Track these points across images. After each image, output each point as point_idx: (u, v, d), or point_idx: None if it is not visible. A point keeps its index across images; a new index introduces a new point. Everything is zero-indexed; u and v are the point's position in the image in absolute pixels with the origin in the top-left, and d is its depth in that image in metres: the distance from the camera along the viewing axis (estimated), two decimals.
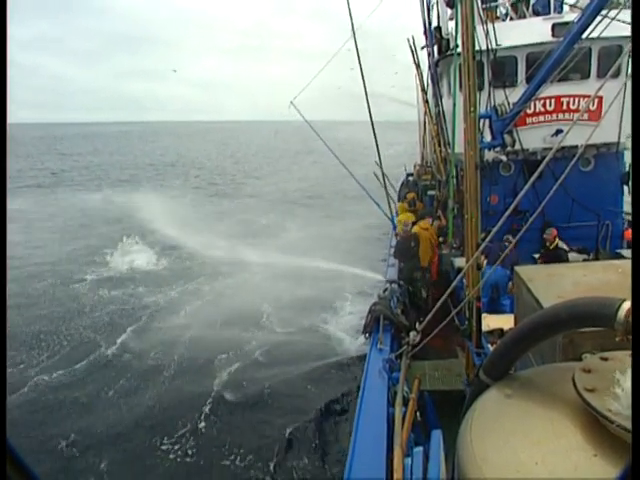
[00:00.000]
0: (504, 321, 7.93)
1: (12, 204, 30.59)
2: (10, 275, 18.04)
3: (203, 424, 9.96)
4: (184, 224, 24.97)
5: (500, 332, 7.85)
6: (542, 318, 2.54)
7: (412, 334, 7.50)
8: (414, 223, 13.38)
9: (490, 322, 8.21)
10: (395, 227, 14.17)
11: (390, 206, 14.15)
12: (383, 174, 12.87)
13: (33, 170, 61.06)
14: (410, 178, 25.08)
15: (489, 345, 7.34)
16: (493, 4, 12.83)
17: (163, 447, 9.37)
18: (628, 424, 1.79)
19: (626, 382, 1.95)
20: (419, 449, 4.60)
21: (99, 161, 74.38)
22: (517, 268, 5.33)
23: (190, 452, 9.20)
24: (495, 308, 9.52)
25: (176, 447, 9.34)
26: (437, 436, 4.49)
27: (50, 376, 11.99)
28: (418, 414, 6.02)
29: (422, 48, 15.32)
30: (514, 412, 2.33)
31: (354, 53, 11.78)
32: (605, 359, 2.25)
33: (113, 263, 21.57)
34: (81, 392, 11.37)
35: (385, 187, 13.56)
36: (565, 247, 10.53)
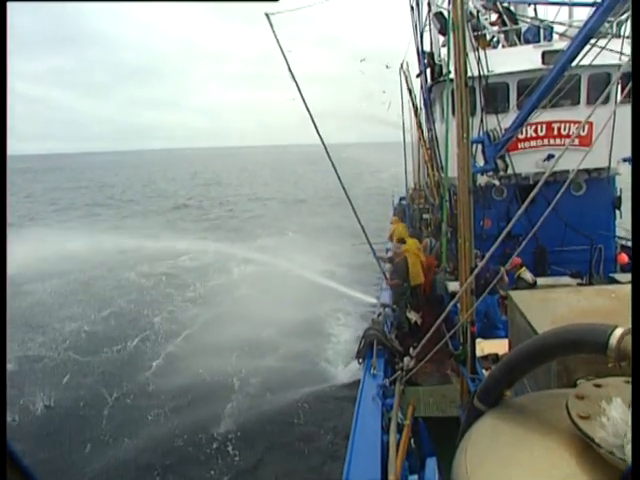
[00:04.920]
0: (499, 346, 7.92)
1: None
2: None
3: (195, 454, 9.84)
4: None
5: (495, 357, 7.84)
6: (535, 345, 2.56)
7: (406, 359, 7.49)
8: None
9: (485, 347, 8.20)
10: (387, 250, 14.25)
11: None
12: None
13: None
14: (403, 202, 25.29)
15: (484, 370, 7.32)
16: (484, 32, 13.12)
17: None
18: (621, 452, 1.80)
19: (612, 411, 1.97)
20: (414, 477, 4.57)
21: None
22: (511, 292, 5.35)
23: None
24: (489, 336, 9.50)
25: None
26: (432, 464, 4.47)
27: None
28: (412, 441, 5.99)
29: (417, 76, 15.55)
30: (509, 439, 2.33)
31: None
32: (599, 386, 2.26)
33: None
34: (78, 422, 11.33)
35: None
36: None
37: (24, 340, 15.67)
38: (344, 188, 11.07)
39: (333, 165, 10.78)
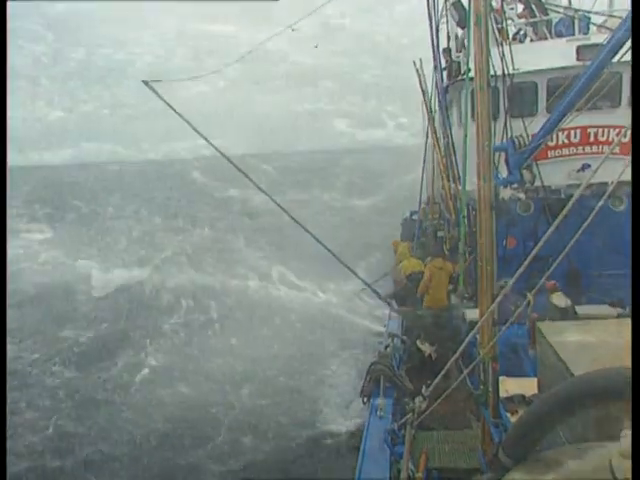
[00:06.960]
0: (525, 386, 7.79)
1: None
2: None
3: None
4: None
5: (521, 399, 7.70)
6: (570, 391, 2.48)
7: (418, 400, 7.37)
8: None
9: (509, 387, 8.06)
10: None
11: None
12: None
13: None
14: (414, 217, 25.25)
15: (508, 414, 7.20)
16: (509, 23, 13.13)
17: None
18: None
19: None
20: None
21: None
22: (540, 324, 5.28)
23: None
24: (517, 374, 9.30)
25: None
26: None
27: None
28: None
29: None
30: None
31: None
32: None
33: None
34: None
35: None
36: None
37: None
38: (283, 209, 11.18)
39: (251, 179, 11.02)
